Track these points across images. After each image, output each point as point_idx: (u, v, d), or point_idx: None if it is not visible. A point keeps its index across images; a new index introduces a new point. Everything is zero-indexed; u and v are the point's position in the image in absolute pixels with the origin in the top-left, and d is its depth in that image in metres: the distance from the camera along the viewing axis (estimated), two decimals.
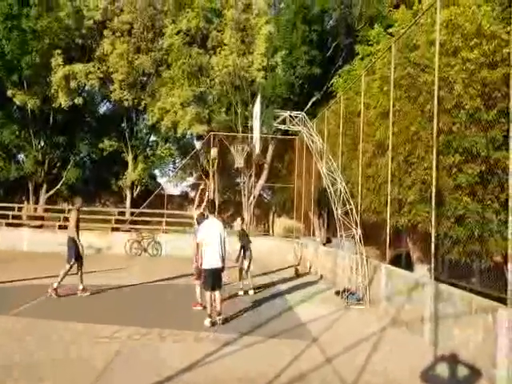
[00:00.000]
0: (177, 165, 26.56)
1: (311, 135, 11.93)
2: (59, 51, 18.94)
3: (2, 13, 18.04)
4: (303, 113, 12.72)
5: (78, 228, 8.58)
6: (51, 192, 22.33)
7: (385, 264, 8.36)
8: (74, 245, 8.50)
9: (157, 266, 13.69)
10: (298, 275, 12.62)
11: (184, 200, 29.04)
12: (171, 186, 27.96)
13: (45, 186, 22.12)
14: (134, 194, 23.51)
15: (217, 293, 6.72)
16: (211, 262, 6.58)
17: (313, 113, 17.24)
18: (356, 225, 9.62)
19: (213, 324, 6.53)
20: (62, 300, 8.22)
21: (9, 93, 18.99)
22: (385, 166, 9.01)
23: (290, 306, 8.51)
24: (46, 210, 21.47)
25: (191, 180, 28.13)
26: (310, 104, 19.47)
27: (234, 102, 19.88)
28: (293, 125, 12.32)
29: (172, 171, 26.87)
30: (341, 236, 10.07)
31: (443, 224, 7.64)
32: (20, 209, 21.32)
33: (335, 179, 10.43)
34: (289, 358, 5.25)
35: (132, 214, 20.99)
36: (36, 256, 15.20)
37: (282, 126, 13.23)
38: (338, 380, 4.73)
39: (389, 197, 8.49)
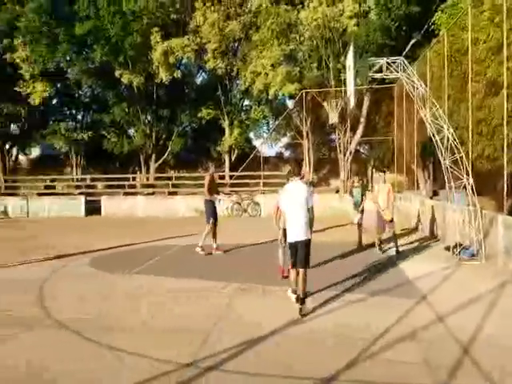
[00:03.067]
0: (270, 126, 26.77)
1: (412, 81, 11.06)
2: (157, 29, 20.01)
3: None
4: (402, 57, 11.80)
5: (211, 191, 9.26)
6: (159, 162, 24.20)
7: (503, 215, 7.63)
8: (209, 206, 9.20)
9: (258, 226, 14.21)
10: (402, 230, 12.16)
11: (279, 160, 29.36)
12: (266, 147, 28.42)
13: (153, 157, 24.04)
14: (232, 158, 24.41)
15: (300, 270, 5.44)
16: (293, 233, 5.50)
17: (412, 56, 15.88)
18: (467, 174, 8.85)
19: (297, 300, 5.41)
20: (176, 259, 9.06)
21: (117, 73, 20.65)
22: (499, 106, 8.04)
23: (395, 262, 8.28)
24: (156, 179, 23.46)
25: (285, 140, 28.24)
26: (408, 47, 17.88)
27: (324, 57, 19.14)
28: (390, 72, 11.54)
29: (266, 133, 27.19)
30: (449, 187, 9.37)
31: None
32: (134, 179, 23.63)
33: (441, 126, 9.62)
34: (395, 316, 5.10)
35: (231, 177, 21.93)
36: (151, 220, 16.81)
37: (379, 75, 12.46)
38: (452, 339, 4.48)
39: (505, 141, 7.62)
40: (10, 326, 5.04)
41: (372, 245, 9.53)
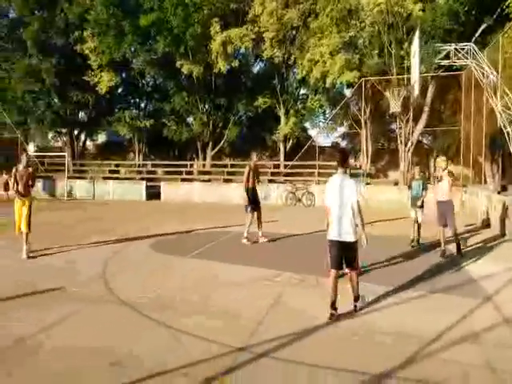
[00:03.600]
0: (327, 116, 26.29)
1: (482, 68, 10.37)
2: (216, 19, 20.29)
3: None
4: (471, 43, 11.08)
5: (248, 181, 9.34)
6: (216, 149, 24.68)
7: None
8: (246, 196, 9.30)
9: (310, 216, 14.12)
10: (467, 226, 11.54)
11: (335, 150, 28.80)
12: (322, 137, 27.97)
13: (210, 145, 24.55)
14: (287, 148, 24.32)
15: (351, 273, 5.05)
16: (334, 232, 4.93)
17: (482, 42, 14.86)
18: None
19: (331, 316, 4.83)
20: (229, 245, 9.24)
21: (177, 64, 21.21)
22: None
23: (459, 260, 7.88)
24: (212, 166, 23.99)
25: (342, 130, 27.61)
26: (478, 33, 16.71)
27: (386, 43, 18.39)
28: (458, 58, 10.91)
29: (322, 122, 26.75)
30: None
31: None
32: (191, 166, 24.32)
33: None
34: (457, 316, 4.88)
35: (286, 166, 21.90)
36: (206, 206, 17.26)
37: (445, 62, 11.82)
38: None
39: None
40: (76, 302, 5.43)
41: (433, 245, 9.06)
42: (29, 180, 8.16)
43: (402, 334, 4.45)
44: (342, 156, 5.07)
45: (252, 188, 9.35)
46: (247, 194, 9.28)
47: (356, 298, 5.10)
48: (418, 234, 9.13)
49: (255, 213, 9.41)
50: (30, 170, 8.26)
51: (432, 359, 3.89)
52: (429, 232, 9.32)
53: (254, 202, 9.40)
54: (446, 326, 4.60)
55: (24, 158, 8.24)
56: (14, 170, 8.15)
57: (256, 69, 27.12)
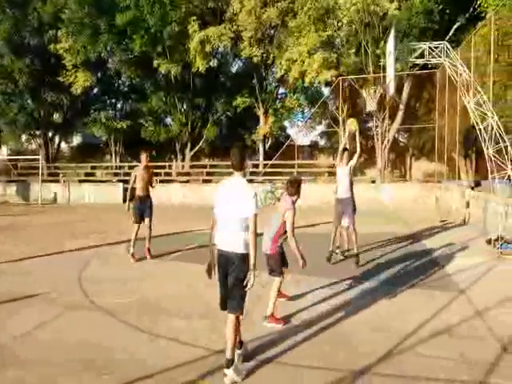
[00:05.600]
0: (306, 115, 26.46)
1: (455, 66, 10.60)
2: (194, 18, 20.10)
3: None
4: (445, 42, 11.31)
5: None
6: (195, 150, 24.50)
7: None
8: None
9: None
10: (441, 222, 11.80)
11: (314, 149, 29.03)
12: (301, 136, 28.12)
13: (189, 145, 24.35)
14: (266, 147, 24.35)
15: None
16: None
17: (456, 40, 15.19)
18: None
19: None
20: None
21: (155, 63, 20.94)
22: None
23: (433, 255, 8.05)
24: (191, 167, 23.81)
25: (321, 128, 27.84)
26: (452, 31, 17.11)
27: (363, 42, 18.61)
28: (433, 57, 11.13)
29: (301, 121, 26.91)
30: (493, 178, 8.98)
31: None
32: (170, 167, 24.09)
33: (485, 114, 9.20)
34: (432, 310, 5.00)
35: (265, 165, 21.93)
36: (185, 207, 17.12)
37: (420, 61, 12.03)
38: (490, 336, 4.33)
39: None
40: (55, 307, 5.31)
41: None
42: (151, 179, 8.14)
43: (381, 329, 4.51)
44: (239, 157, 3.87)
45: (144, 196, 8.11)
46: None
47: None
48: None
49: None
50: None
51: (408, 354, 3.96)
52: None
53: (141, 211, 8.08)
54: (424, 319, 4.69)
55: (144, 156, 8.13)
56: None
57: (235, 68, 27.06)
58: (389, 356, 3.91)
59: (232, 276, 3.56)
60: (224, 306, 3.66)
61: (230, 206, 3.60)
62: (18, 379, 3.57)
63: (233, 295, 3.57)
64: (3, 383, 3.52)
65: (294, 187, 5.12)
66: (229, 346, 3.54)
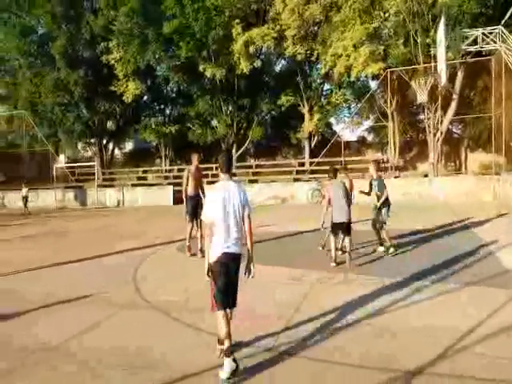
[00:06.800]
0: (352, 110, 25.90)
1: None
2: (238, 21, 20.41)
3: None
4: (500, 27, 10.64)
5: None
6: (241, 150, 24.76)
7: None
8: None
9: None
10: (499, 216, 11.11)
11: (361, 145, 28.32)
12: (347, 132, 27.59)
13: (235, 146, 24.64)
14: (312, 145, 24.12)
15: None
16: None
17: None
18: None
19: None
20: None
21: (200, 68, 21.44)
22: None
23: (490, 250, 7.59)
24: (237, 167, 24.06)
25: (368, 123, 27.14)
26: (508, 15, 16.04)
27: (412, 32, 17.94)
28: (487, 43, 10.50)
29: (348, 117, 26.37)
30: None
31: None
32: (217, 168, 24.44)
33: None
34: (489, 309, 4.69)
35: (311, 163, 21.72)
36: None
37: (473, 48, 11.39)
38: None
39: None
40: (110, 306, 5.55)
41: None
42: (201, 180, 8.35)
43: (435, 328, 4.30)
44: (228, 160, 4.10)
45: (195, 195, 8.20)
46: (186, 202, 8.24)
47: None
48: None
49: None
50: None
51: (466, 354, 3.74)
52: None
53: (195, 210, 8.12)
54: (479, 320, 4.41)
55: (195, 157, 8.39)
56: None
57: (278, 67, 27.09)
58: (444, 356, 3.72)
59: (236, 275, 3.78)
60: (228, 304, 3.75)
61: (232, 209, 3.72)
62: (72, 375, 3.75)
63: (235, 292, 3.82)
64: (59, 379, 3.72)
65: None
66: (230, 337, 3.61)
